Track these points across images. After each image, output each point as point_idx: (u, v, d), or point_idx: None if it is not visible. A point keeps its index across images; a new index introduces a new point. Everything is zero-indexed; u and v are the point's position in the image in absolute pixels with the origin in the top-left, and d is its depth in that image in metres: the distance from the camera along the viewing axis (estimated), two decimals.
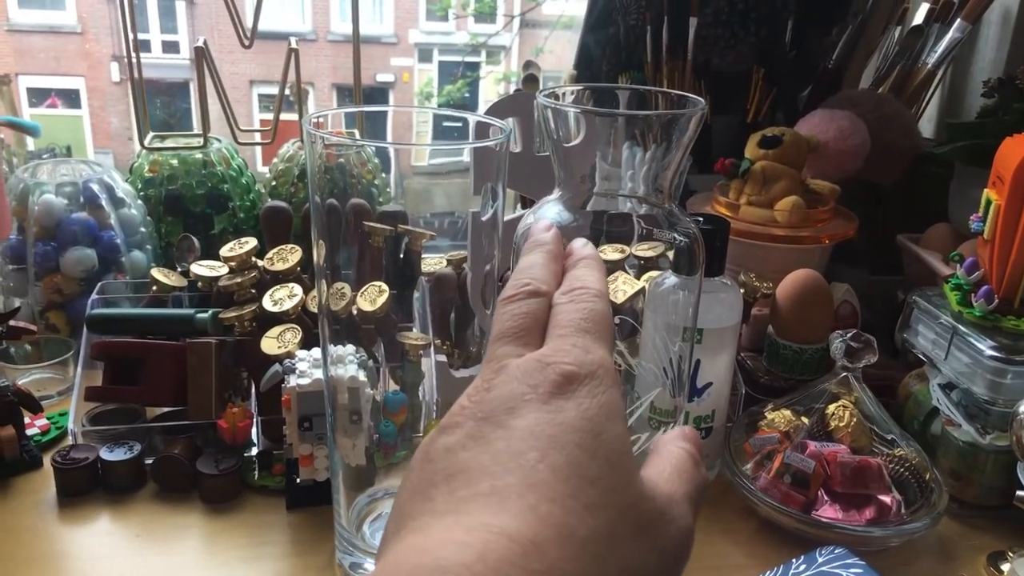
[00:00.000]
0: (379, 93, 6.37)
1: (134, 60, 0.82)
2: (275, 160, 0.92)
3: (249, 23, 0.87)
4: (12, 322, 0.64)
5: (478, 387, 0.25)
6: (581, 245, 0.32)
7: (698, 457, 0.27)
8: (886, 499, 0.59)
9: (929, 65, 0.93)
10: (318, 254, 0.51)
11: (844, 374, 0.64)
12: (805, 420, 0.64)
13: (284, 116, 0.91)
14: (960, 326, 0.64)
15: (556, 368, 0.25)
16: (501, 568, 0.20)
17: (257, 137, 0.95)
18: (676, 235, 0.54)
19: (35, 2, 6.26)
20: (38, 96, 6.30)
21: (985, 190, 0.65)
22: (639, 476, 0.24)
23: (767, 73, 0.95)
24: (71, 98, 6.39)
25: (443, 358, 0.67)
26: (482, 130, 0.53)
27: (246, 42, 0.87)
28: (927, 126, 1.02)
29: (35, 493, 0.61)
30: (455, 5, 6.25)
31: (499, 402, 0.24)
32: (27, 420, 0.65)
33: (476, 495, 0.22)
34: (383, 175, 0.91)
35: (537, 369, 0.25)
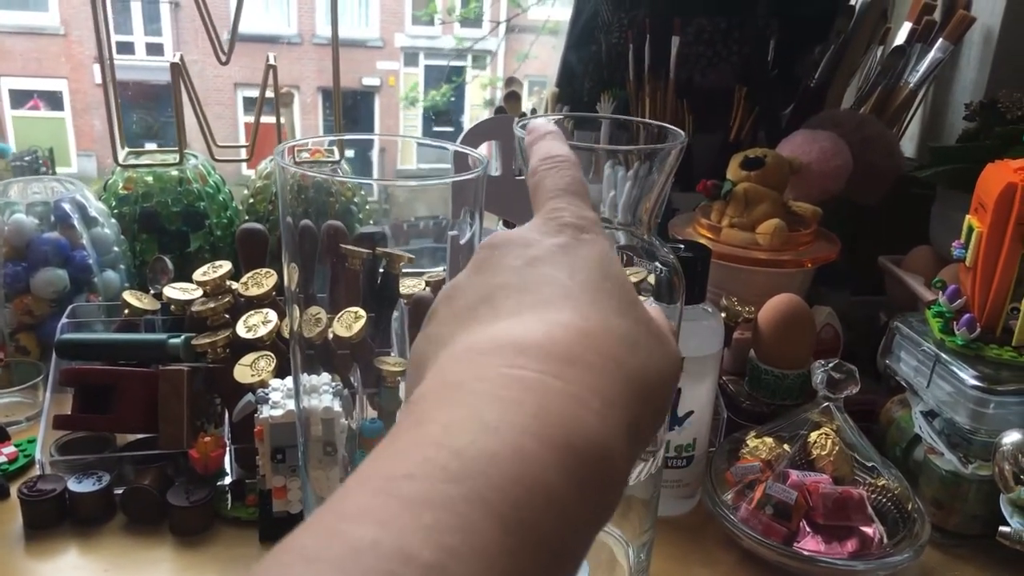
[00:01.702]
0: (365, 97, 6.36)
1: (109, 78, 0.80)
2: (252, 177, 0.91)
3: (230, 31, 0.86)
4: None
5: (495, 235, 0.29)
6: (544, 122, 0.34)
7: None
8: (868, 530, 0.58)
9: (911, 85, 0.93)
10: (290, 278, 0.50)
11: (826, 403, 0.63)
12: (787, 448, 0.64)
13: (266, 119, 0.89)
14: (942, 354, 0.63)
15: (559, 220, 0.28)
16: (565, 345, 0.23)
17: (239, 153, 0.93)
18: (657, 264, 0.54)
19: (17, 3, 6.20)
20: (20, 98, 6.24)
21: (967, 216, 0.65)
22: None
23: (749, 92, 0.94)
24: (54, 100, 6.34)
25: None
26: (460, 159, 0.52)
27: (223, 58, 0.86)
28: (908, 145, 1.02)
29: (1, 525, 0.60)
30: (441, 11, 6.24)
31: (515, 244, 0.27)
32: None
33: (522, 305, 0.25)
34: (362, 192, 0.90)
35: (542, 223, 0.28)
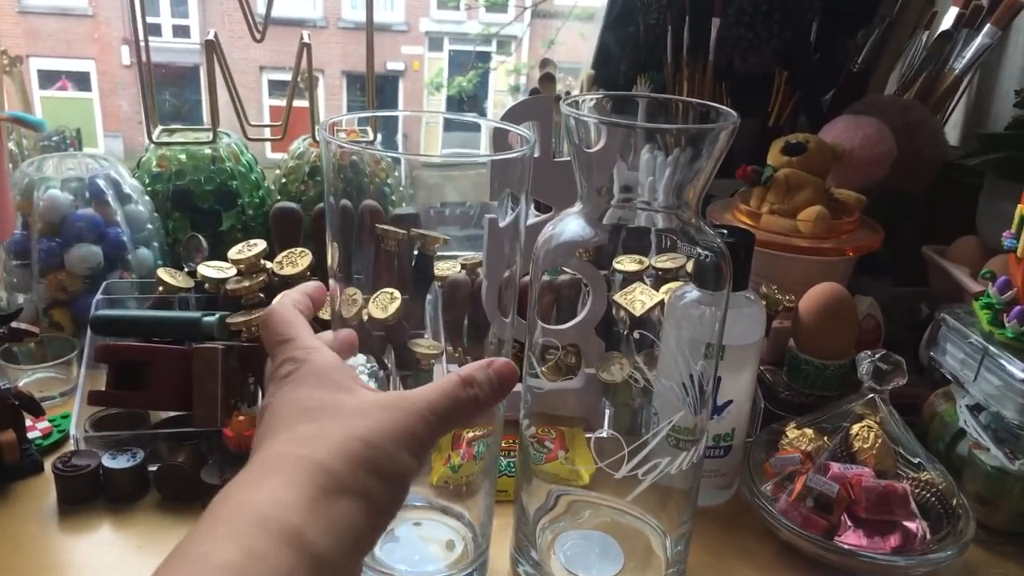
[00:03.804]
0: (389, 82, 6.34)
1: (143, 55, 0.80)
2: (285, 157, 0.90)
3: (260, 11, 0.85)
4: (14, 324, 0.63)
5: None
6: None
7: None
8: (912, 526, 0.57)
9: (956, 71, 0.90)
10: (332, 257, 0.49)
11: (871, 395, 0.62)
12: (828, 440, 0.62)
13: (294, 103, 0.89)
14: (991, 347, 0.62)
15: None
16: None
17: (267, 132, 0.93)
18: (700, 250, 0.52)
19: None
20: (48, 78, 6.28)
21: (1019, 206, 0.63)
22: None
23: (790, 76, 0.92)
24: (81, 81, 6.37)
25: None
26: (499, 136, 0.51)
27: (257, 36, 0.85)
28: (952, 133, 0.99)
29: (36, 500, 0.60)
30: None
31: None
32: (28, 423, 0.64)
33: None
34: (395, 173, 0.89)
35: None
